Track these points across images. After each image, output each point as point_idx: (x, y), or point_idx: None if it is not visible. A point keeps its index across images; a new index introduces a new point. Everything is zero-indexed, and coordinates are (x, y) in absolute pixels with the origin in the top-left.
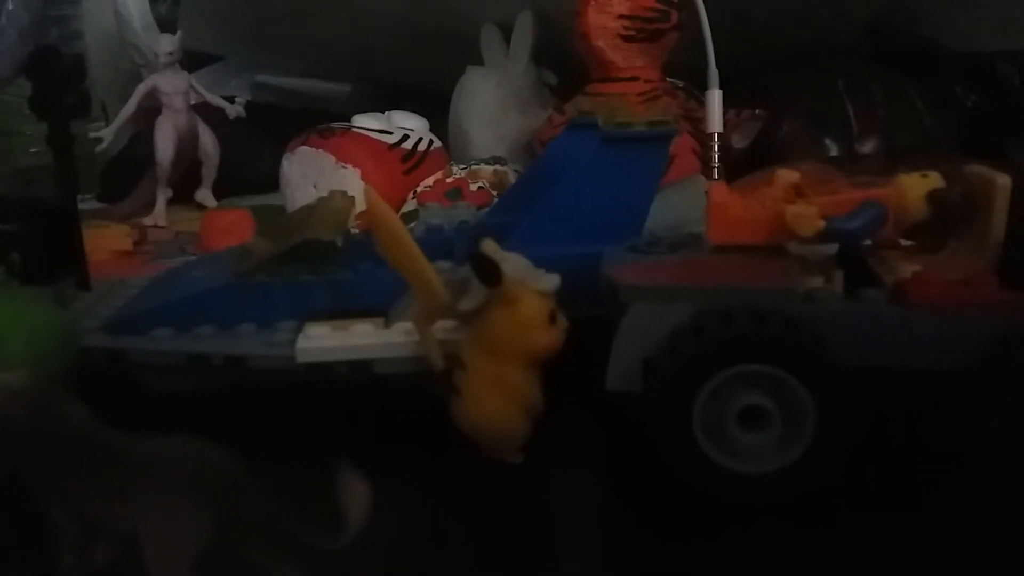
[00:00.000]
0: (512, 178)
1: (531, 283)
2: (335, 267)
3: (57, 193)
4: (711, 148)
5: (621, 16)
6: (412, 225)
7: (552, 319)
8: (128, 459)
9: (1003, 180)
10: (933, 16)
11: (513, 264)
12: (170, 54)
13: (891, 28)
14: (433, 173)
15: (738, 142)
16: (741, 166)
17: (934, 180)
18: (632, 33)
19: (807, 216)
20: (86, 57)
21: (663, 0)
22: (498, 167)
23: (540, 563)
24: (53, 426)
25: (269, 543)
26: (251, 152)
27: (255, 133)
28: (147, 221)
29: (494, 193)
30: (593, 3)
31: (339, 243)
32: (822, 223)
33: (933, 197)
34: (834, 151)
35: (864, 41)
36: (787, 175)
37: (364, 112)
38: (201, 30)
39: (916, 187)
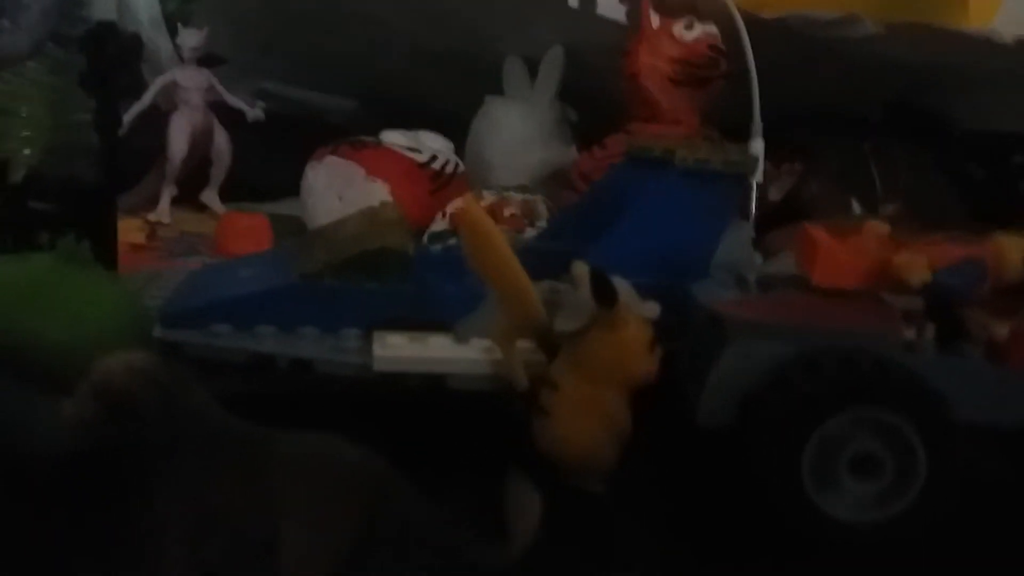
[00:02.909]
0: (542, 208)
1: (637, 309)
2: (402, 276)
3: (95, 175)
4: (749, 197)
5: (673, 59)
6: (451, 243)
7: (652, 347)
8: (266, 453)
9: None
10: (952, 96)
11: (621, 288)
12: (194, 49)
13: (914, 102)
14: (457, 196)
15: (774, 194)
16: (770, 218)
17: None
18: (682, 78)
19: (917, 265)
20: None
21: (715, 48)
22: (527, 196)
23: None
24: (180, 412)
25: (425, 553)
26: (250, 158)
27: (254, 139)
28: (151, 217)
29: (525, 221)
30: (646, 43)
31: (411, 252)
32: (929, 274)
33: None
34: (858, 211)
35: (887, 112)
36: (877, 227)
37: (364, 127)
38: (210, 30)
39: (1016, 248)
